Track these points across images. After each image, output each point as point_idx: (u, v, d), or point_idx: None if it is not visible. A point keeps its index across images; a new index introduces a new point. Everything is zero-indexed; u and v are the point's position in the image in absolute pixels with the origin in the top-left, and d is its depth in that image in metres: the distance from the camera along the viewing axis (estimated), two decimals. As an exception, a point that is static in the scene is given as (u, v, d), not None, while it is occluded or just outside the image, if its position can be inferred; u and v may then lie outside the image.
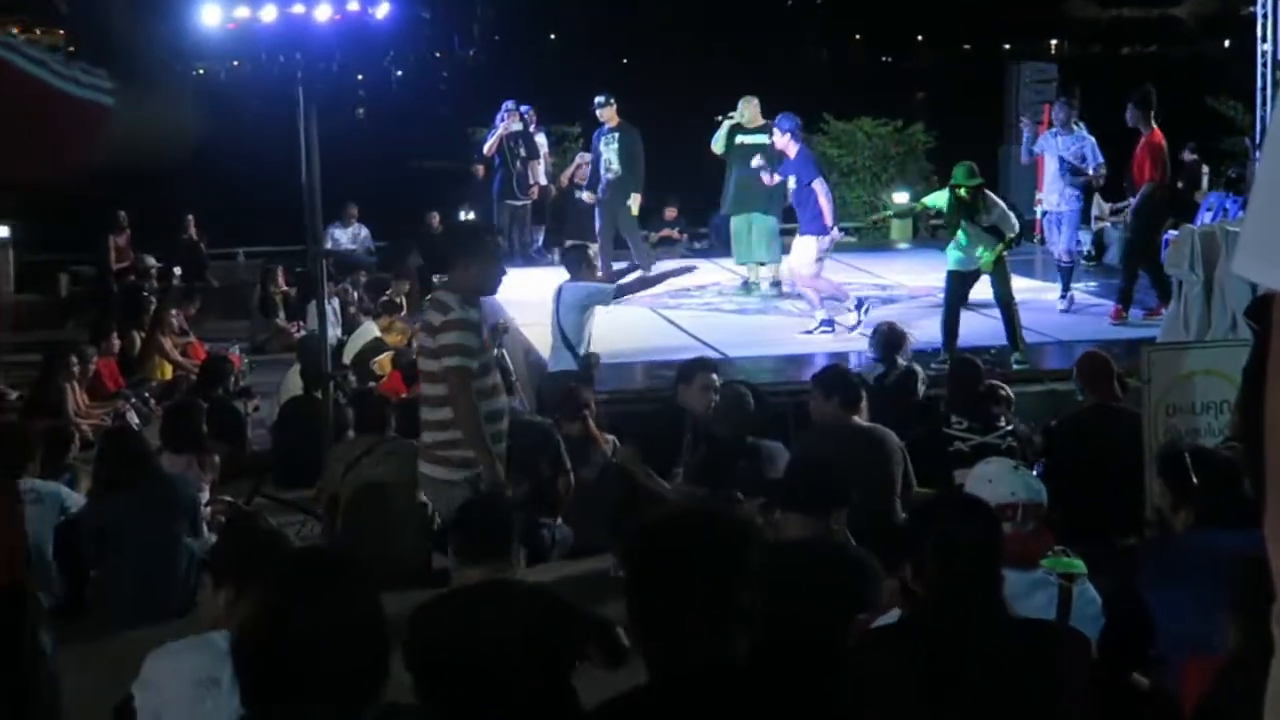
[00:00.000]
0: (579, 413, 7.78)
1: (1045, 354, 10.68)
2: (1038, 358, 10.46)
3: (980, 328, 10.77)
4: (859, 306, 11.21)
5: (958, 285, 10.29)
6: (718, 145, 13.27)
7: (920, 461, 6.93)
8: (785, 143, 11.47)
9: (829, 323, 11.24)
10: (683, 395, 7.47)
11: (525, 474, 6.81)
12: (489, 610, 4.10)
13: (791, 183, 11.40)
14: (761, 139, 12.49)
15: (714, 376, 7.62)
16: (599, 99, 14.10)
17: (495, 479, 5.55)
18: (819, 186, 11.21)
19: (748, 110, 13.09)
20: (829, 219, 11.19)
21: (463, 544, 4.31)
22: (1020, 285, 12.80)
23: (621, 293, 9.46)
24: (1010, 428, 7.38)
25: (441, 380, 5.66)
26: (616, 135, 13.95)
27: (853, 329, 11.07)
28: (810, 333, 11.22)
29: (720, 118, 13.40)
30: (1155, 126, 11.62)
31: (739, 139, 13.06)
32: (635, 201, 13.94)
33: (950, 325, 10.20)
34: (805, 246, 11.22)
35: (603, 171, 14.10)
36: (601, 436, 7.87)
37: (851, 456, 6.27)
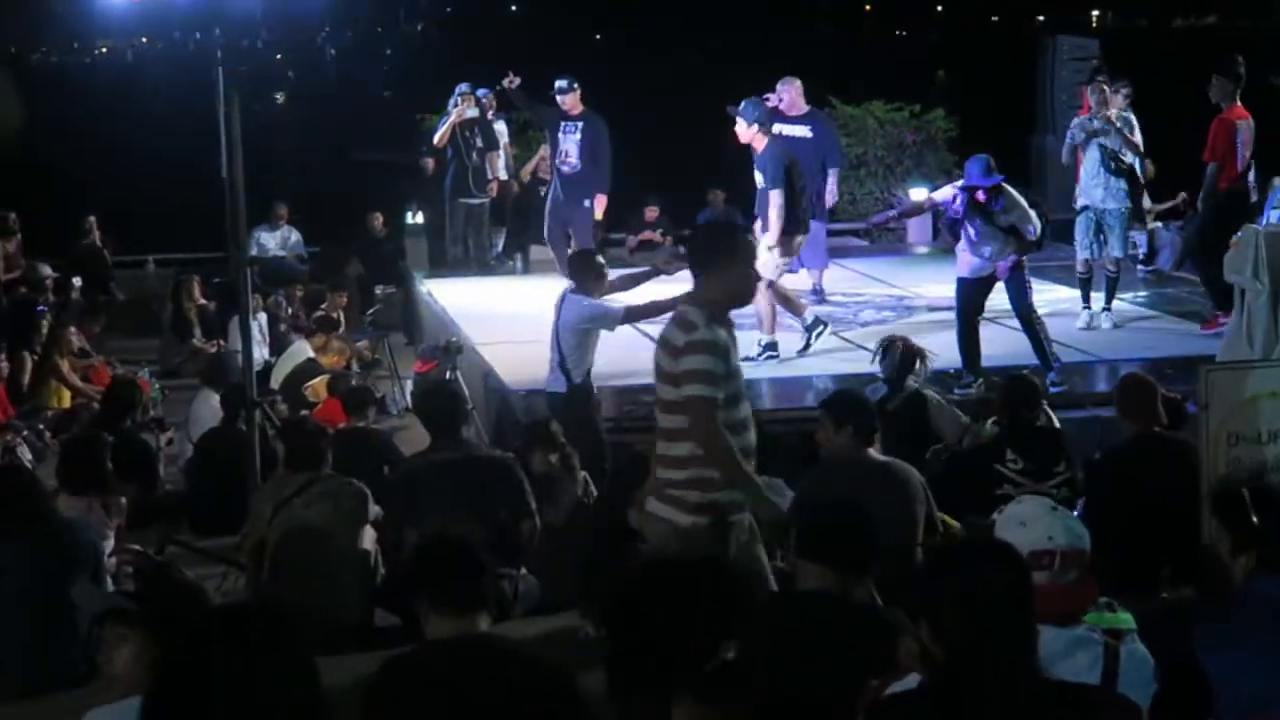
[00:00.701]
0: (546, 446, 7.75)
1: (1089, 375, 10.74)
2: (1080, 379, 10.51)
3: (1009, 344, 10.78)
4: (811, 328, 11.20)
5: (970, 294, 10.29)
6: None
7: (955, 498, 6.91)
8: (751, 135, 11.14)
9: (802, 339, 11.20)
10: None
11: (479, 516, 6.78)
12: (468, 670, 4.08)
13: (760, 180, 11.19)
14: (803, 130, 12.37)
15: None
16: (560, 83, 14.13)
17: (772, 515, 5.66)
18: (775, 198, 10.86)
19: (787, 93, 12.98)
20: (775, 228, 10.88)
21: (440, 590, 4.26)
22: (1059, 295, 12.89)
23: (630, 318, 9.14)
24: (1068, 476, 7.31)
25: (681, 410, 5.68)
26: (579, 126, 13.98)
27: (801, 353, 11.11)
28: (803, 353, 11.17)
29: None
30: (1238, 103, 11.68)
31: (776, 127, 12.99)
32: (599, 205, 13.94)
33: (969, 341, 10.21)
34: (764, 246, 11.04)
35: (558, 165, 14.10)
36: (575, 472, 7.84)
37: (868, 496, 6.25)
